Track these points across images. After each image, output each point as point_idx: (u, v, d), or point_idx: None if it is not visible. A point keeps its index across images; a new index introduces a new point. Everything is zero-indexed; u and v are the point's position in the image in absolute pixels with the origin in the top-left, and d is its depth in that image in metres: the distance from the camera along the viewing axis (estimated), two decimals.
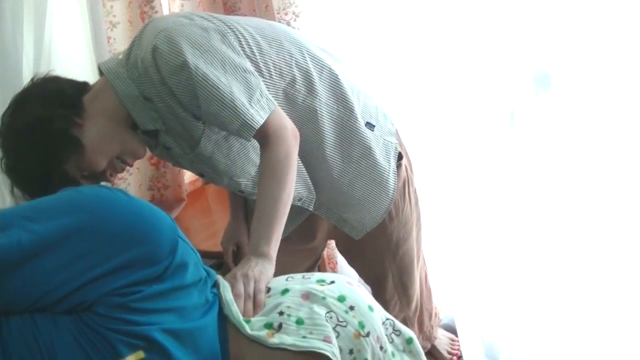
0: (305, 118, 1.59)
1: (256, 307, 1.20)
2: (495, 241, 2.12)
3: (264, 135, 1.43)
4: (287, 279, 1.25)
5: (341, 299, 1.17)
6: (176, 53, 1.38)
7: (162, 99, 1.44)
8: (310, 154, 1.64)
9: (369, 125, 1.70)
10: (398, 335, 1.21)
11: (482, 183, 2.10)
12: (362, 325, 1.14)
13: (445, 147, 2.15)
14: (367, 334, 1.14)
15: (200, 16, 1.50)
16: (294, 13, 2.16)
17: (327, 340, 1.11)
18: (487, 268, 2.16)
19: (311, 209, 1.74)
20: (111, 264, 1.01)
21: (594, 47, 1.76)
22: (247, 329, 1.13)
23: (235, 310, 1.16)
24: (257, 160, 1.58)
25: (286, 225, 1.42)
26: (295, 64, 1.58)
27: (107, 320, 1.00)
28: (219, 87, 1.38)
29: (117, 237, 1.03)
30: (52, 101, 1.41)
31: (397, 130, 1.79)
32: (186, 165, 1.66)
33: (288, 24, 2.15)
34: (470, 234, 2.17)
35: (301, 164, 1.63)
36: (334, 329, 1.13)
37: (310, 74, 1.60)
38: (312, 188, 1.71)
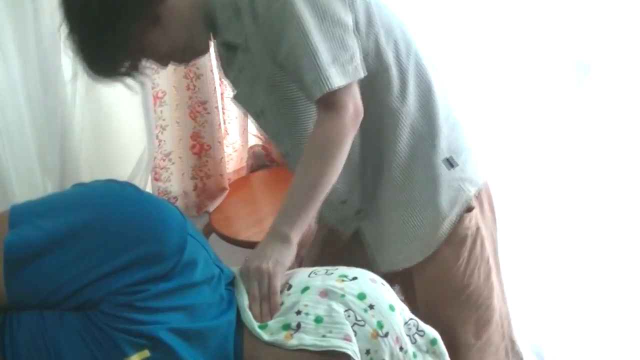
0: (388, 119, 1.45)
1: (272, 310, 1.16)
2: (540, 239, 2.09)
3: (326, 104, 1.30)
4: (309, 275, 1.22)
5: (361, 296, 1.14)
6: None
7: (249, 18, 1.34)
8: (375, 158, 1.49)
9: (448, 162, 1.50)
10: (422, 336, 1.18)
11: (540, 183, 2.06)
12: (380, 325, 1.12)
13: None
14: (386, 334, 1.11)
15: None
16: None
17: (347, 338, 1.09)
18: (530, 265, 2.12)
19: (350, 214, 1.57)
20: (117, 262, 1.01)
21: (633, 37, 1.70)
22: (264, 336, 1.11)
23: (249, 318, 1.14)
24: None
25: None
26: (403, 54, 1.44)
27: (112, 319, 1.00)
28: (309, 31, 1.26)
29: (124, 235, 1.02)
30: None
31: (485, 184, 1.59)
32: (251, 97, 1.50)
33: None
34: (512, 231, 2.12)
35: (360, 166, 1.50)
36: (351, 327, 1.11)
37: (407, 75, 1.45)
38: (361, 193, 1.55)
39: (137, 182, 2.10)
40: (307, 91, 1.30)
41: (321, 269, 1.24)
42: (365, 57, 1.38)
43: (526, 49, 1.94)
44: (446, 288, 1.55)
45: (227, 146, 2.50)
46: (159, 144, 2.26)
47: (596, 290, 1.97)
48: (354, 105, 1.31)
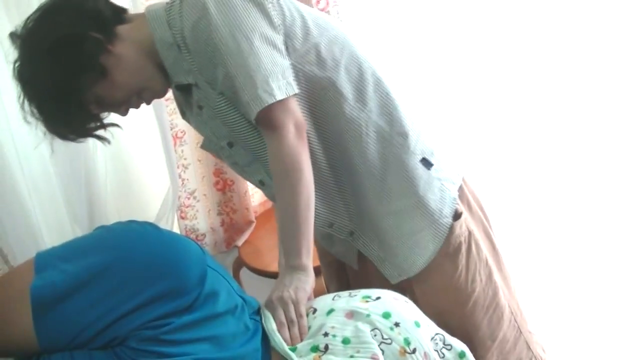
0: (350, 130, 1.43)
1: (301, 333, 1.18)
2: (557, 240, 2.08)
3: (266, 125, 1.33)
4: (333, 298, 1.23)
5: (386, 315, 1.14)
6: (200, 11, 1.30)
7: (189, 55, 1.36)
8: (348, 173, 1.48)
9: (424, 163, 1.49)
10: (449, 350, 1.17)
11: (541, 181, 2.05)
12: (407, 341, 1.11)
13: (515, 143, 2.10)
14: (413, 351, 1.11)
15: None
16: (337, 12, 2.14)
17: (374, 357, 1.09)
18: (548, 265, 2.10)
19: (342, 237, 1.54)
20: (140, 298, 1.02)
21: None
22: (295, 358, 1.12)
23: (279, 340, 1.15)
24: None
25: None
26: (350, 59, 1.43)
27: (140, 353, 1.01)
28: (237, 55, 1.28)
29: (145, 272, 1.03)
30: (88, 20, 1.32)
31: (463, 180, 1.59)
32: (216, 133, 1.48)
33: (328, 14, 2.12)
34: (524, 231, 2.12)
35: (336, 185, 1.49)
36: (378, 346, 1.10)
37: (365, 80, 1.44)
38: (346, 212, 1.52)
39: (164, 221, 2.13)
40: (247, 113, 1.33)
41: (344, 293, 1.25)
42: (309, 71, 1.39)
43: (524, 46, 1.94)
44: (451, 299, 1.52)
45: None
46: (182, 183, 2.29)
47: (600, 289, 1.94)
48: (294, 121, 1.33)
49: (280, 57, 1.33)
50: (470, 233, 1.55)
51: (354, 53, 1.45)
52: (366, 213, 1.51)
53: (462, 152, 2.19)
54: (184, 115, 1.57)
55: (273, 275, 2.24)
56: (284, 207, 1.34)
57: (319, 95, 1.40)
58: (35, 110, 1.33)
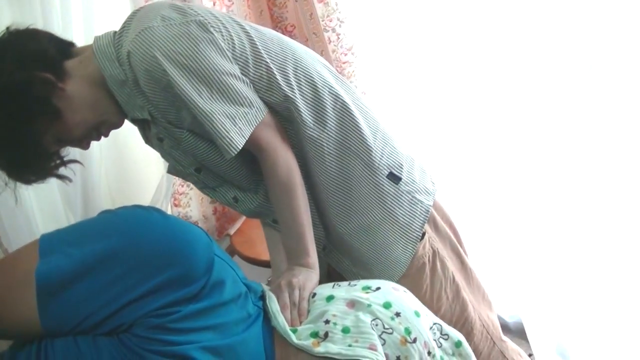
0: (311, 150, 1.42)
1: (300, 315, 1.20)
2: (563, 242, 2.08)
3: (257, 149, 1.36)
4: (333, 287, 1.25)
5: (387, 305, 1.16)
6: (152, 63, 1.26)
7: (144, 96, 1.33)
8: (312, 192, 1.47)
9: (391, 178, 1.48)
10: (446, 339, 1.19)
11: (555, 181, 2.06)
12: (408, 331, 1.13)
13: (513, 146, 2.11)
14: (414, 340, 1.12)
15: (197, 12, 1.33)
16: (338, 19, 2.16)
17: (372, 348, 1.10)
18: (556, 267, 2.11)
19: (319, 251, 1.50)
20: (147, 286, 1.01)
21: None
22: (294, 338, 1.13)
23: (281, 320, 1.17)
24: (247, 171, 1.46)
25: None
26: (307, 80, 1.41)
27: (145, 341, 1.01)
28: (198, 105, 1.27)
29: (152, 259, 1.03)
30: (32, 62, 1.26)
31: (435, 192, 1.57)
32: (180, 160, 1.48)
33: (333, 30, 2.16)
34: (539, 235, 2.13)
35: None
36: (379, 336, 1.12)
37: (321, 99, 1.42)
38: (320, 226, 1.52)
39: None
40: (224, 152, 1.32)
41: (343, 282, 1.27)
42: (265, 97, 1.38)
43: (525, 48, 1.94)
44: None
45: None
46: None
47: (620, 290, 1.95)
48: (275, 132, 1.37)
49: (243, 85, 1.33)
50: (434, 252, 1.55)
51: (307, 72, 1.43)
52: (334, 231, 1.52)
53: (471, 160, 2.22)
54: (147, 143, 1.53)
55: (265, 264, 2.24)
56: (287, 214, 1.37)
57: (279, 118, 1.41)
58: None
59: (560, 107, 1.96)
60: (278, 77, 1.38)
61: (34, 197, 1.81)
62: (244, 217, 2.53)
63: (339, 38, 2.18)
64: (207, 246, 1.09)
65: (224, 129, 1.29)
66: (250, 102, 1.33)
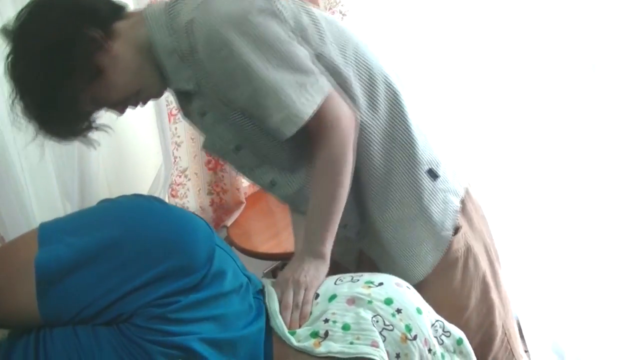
0: (359, 137, 1.38)
1: (301, 318, 1.18)
2: (560, 240, 2.09)
3: (317, 124, 1.28)
4: (335, 282, 1.23)
5: (388, 301, 1.14)
6: (215, 31, 1.23)
7: (197, 67, 1.29)
8: (354, 180, 1.42)
9: (430, 174, 1.47)
10: (448, 337, 1.18)
11: (551, 180, 2.06)
12: (409, 328, 1.12)
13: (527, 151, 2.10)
14: (414, 337, 1.12)
15: None
16: (340, 12, 2.15)
17: (374, 345, 1.09)
18: (553, 265, 2.12)
19: (349, 236, 1.51)
20: (148, 275, 1.01)
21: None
22: (294, 341, 1.12)
23: (280, 323, 1.15)
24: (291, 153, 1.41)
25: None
26: (359, 64, 1.40)
27: (145, 331, 1.01)
28: (263, 71, 1.23)
29: (153, 249, 1.02)
30: (83, 17, 1.25)
31: (467, 192, 1.55)
32: (222, 136, 1.43)
33: None
34: (535, 233, 2.13)
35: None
36: (380, 333, 1.11)
37: (376, 85, 1.40)
38: (356, 212, 1.49)
39: None
40: (277, 131, 1.28)
41: (347, 276, 1.25)
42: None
43: (530, 48, 1.94)
44: (443, 314, 1.44)
45: None
46: (175, 161, 2.27)
47: (616, 289, 1.95)
48: (343, 114, 1.31)
49: (309, 57, 1.30)
50: (468, 248, 1.53)
51: (364, 57, 1.41)
52: (368, 219, 1.50)
53: (470, 160, 2.19)
54: (186, 116, 1.50)
55: (261, 256, 2.25)
56: (322, 194, 1.33)
57: None
58: (26, 109, 1.27)
59: (555, 107, 1.96)
60: (339, 56, 1.36)
61: (30, 186, 1.79)
62: (241, 209, 2.52)
63: None
64: (208, 236, 1.08)
65: (290, 99, 1.24)
66: (314, 73, 1.29)
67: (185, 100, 1.41)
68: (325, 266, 1.31)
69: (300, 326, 1.17)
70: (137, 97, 1.37)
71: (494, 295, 1.58)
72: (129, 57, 1.30)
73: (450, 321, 1.26)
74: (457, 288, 1.52)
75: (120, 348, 1.00)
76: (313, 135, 1.32)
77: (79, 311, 1.01)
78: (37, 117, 1.28)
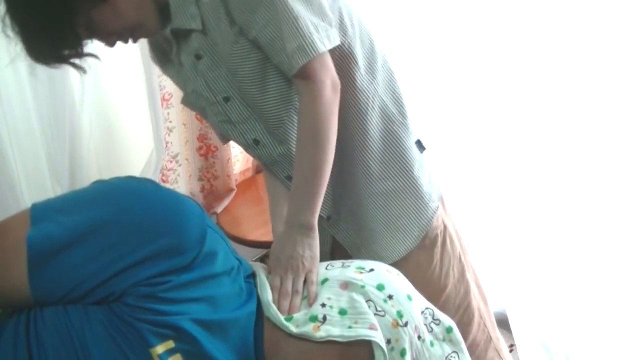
0: (357, 103, 1.40)
1: (309, 299, 1.17)
2: (547, 234, 2.09)
3: (304, 78, 1.27)
4: (326, 267, 1.24)
5: (380, 287, 1.15)
6: None
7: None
8: (340, 150, 1.38)
9: (419, 145, 1.50)
10: (438, 324, 1.19)
11: (543, 176, 2.06)
12: (400, 314, 1.13)
13: (515, 138, 2.11)
14: (405, 324, 1.12)
15: None
16: None
17: (372, 327, 1.10)
18: (540, 259, 2.12)
19: (322, 222, 1.44)
20: (139, 255, 1.01)
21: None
22: (292, 328, 1.12)
23: (274, 312, 1.15)
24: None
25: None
26: (363, 33, 1.41)
27: (136, 310, 1.01)
28: (287, 2, 1.21)
29: (144, 228, 1.02)
30: None
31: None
32: (212, 84, 1.39)
33: None
34: (523, 226, 2.14)
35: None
36: None
37: (375, 56, 1.42)
38: (330, 194, 1.45)
39: None
40: (289, 60, 1.25)
41: (337, 262, 1.26)
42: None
43: (525, 48, 1.95)
44: (423, 293, 1.38)
45: (233, 147, 2.51)
46: (166, 146, 2.27)
47: (603, 284, 1.97)
48: (330, 78, 1.29)
49: (327, 5, 1.30)
50: (445, 227, 1.55)
51: (367, 30, 1.44)
52: (350, 195, 1.48)
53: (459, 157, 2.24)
54: (163, 65, 1.47)
55: (251, 244, 2.25)
56: (306, 163, 1.30)
57: (335, 62, 1.34)
58: (19, 23, 1.20)
59: (549, 104, 1.97)
60: (346, 20, 1.37)
61: (20, 165, 1.78)
62: (232, 196, 2.52)
63: None
64: (200, 217, 1.08)
65: (308, 30, 1.22)
66: (332, 23, 1.29)
67: (181, 42, 1.37)
68: (316, 240, 1.29)
69: (299, 310, 1.16)
70: (133, 33, 1.32)
71: (469, 276, 1.60)
72: None
73: (430, 301, 1.27)
74: (437, 266, 1.53)
75: (112, 327, 1.00)
76: (298, 92, 1.31)
77: (70, 290, 1.00)
78: (28, 33, 1.21)
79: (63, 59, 1.27)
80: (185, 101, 1.49)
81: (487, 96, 2.12)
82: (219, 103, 1.40)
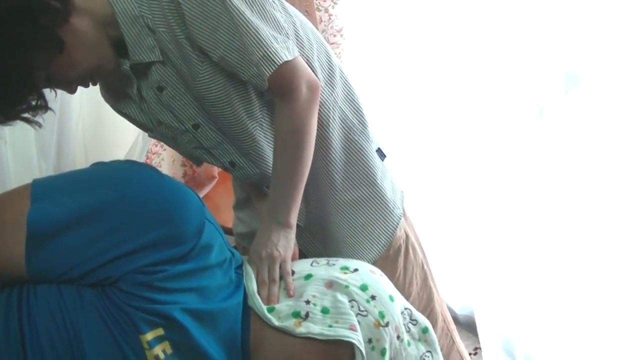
0: (318, 115, 1.37)
1: (288, 290, 1.20)
2: (514, 235, 2.12)
3: (278, 90, 1.27)
4: (311, 264, 1.27)
5: (363, 287, 1.18)
6: None
7: (167, 22, 1.22)
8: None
9: (380, 153, 1.53)
10: (415, 325, 1.23)
11: (508, 179, 2.09)
12: (382, 315, 1.16)
13: (476, 142, 2.14)
14: (387, 324, 1.16)
15: None
16: (332, 0, 2.16)
17: (352, 328, 1.13)
18: (506, 262, 2.15)
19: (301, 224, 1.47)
20: (138, 242, 1.02)
21: (623, 46, 1.74)
22: (274, 321, 1.15)
23: (258, 302, 1.17)
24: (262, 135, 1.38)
25: None
26: (319, 47, 1.41)
27: (130, 297, 1.02)
28: (244, 14, 1.19)
29: (145, 216, 1.04)
30: None
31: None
32: (179, 113, 1.36)
33: (326, 10, 2.16)
34: (490, 228, 2.16)
35: None
36: (355, 317, 1.15)
37: (333, 69, 1.43)
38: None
39: None
40: (257, 72, 1.23)
41: (322, 260, 1.29)
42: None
43: (513, 55, 1.97)
44: None
45: None
46: None
47: (569, 286, 1.98)
48: (306, 83, 1.29)
49: (282, 19, 1.29)
50: (407, 236, 1.59)
51: (324, 44, 1.45)
52: (316, 206, 1.50)
53: (410, 149, 2.29)
54: (118, 103, 1.40)
55: (230, 232, 2.26)
56: (283, 166, 1.32)
57: None
58: None
59: (506, 108, 1.99)
60: (301, 33, 1.37)
61: (9, 144, 1.78)
62: (213, 183, 2.53)
63: (330, 19, 2.18)
64: (200, 209, 1.10)
65: (269, 40, 1.22)
66: (288, 35, 1.28)
67: (140, 76, 1.32)
68: (293, 234, 1.32)
69: (278, 300, 1.19)
70: (93, 77, 1.27)
71: (431, 282, 1.65)
72: (89, 31, 1.19)
73: None
74: (400, 275, 1.57)
75: (104, 311, 1.01)
76: (276, 105, 1.32)
77: (66, 270, 1.01)
78: None
79: (20, 114, 1.17)
80: (154, 135, 1.46)
81: (443, 103, 2.16)
82: (189, 131, 1.38)
